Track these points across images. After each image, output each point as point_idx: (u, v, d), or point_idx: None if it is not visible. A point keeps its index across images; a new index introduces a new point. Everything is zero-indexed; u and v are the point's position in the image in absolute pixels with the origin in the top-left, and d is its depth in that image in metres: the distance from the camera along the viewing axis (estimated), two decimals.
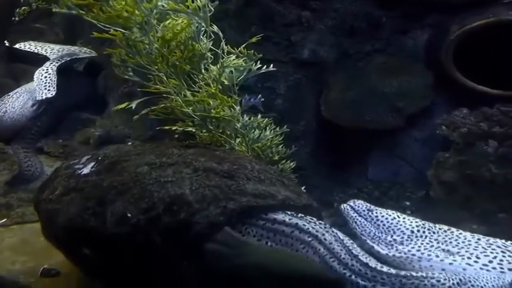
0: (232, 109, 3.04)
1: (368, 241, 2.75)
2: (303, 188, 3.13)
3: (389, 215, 2.80)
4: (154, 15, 2.83)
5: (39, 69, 4.71)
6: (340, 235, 2.43)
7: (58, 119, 4.92)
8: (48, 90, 4.60)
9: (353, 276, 2.33)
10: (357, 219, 2.80)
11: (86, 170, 2.69)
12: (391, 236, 2.72)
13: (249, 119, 3.12)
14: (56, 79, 4.64)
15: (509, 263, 2.57)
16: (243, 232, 2.47)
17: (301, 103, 4.01)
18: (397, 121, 3.89)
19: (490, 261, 2.57)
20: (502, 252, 2.64)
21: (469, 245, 2.69)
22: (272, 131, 3.23)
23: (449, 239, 2.72)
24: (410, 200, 3.81)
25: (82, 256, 2.58)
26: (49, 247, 2.77)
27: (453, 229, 2.81)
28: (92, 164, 2.72)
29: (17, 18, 5.01)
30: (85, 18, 2.83)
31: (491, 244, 2.69)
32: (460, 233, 2.78)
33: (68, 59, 4.87)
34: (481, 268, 2.55)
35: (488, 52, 3.78)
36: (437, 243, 2.69)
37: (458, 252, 2.63)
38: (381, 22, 4.00)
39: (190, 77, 3.01)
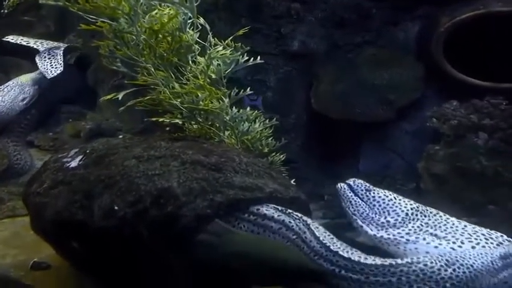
0: (220, 101, 3.02)
1: (358, 221, 2.74)
2: (292, 180, 3.12)
3: (387, 196, 2.78)
4: (140, 5, 2.81)
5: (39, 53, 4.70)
6: (319, 232, 2.40)
7: (48, 112, 4.91)
8: (56, 68, 4.59)
9: (343, 272, 2.31)
10: (353, 198, 2.78)
11: (73, 164, 2.68)
12: (385, 218, 2.71)
13: (238, 111, 3.11)
14: (61, 57, 4.63)
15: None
16: (236, 227, 2.47)
17: (291, 96, 4.01)
18: (387, 113, 3.90)
19: (473, 247, 2.58)
20: (486, 239, 2.64)
21: (456, 230, 2.69)
22: (261, 124, 3.21)
23: (439, 223, 2.72)
24: (401, 192, 3.79)
25: (70, 249, 2.58)
26: (40, 240, 2.77)
27: (441, 213, 2.81)
28: (80, 157, 2.71)
29: (5, 11, 4.95)
30: (78, 13, 2.81)
31: (476, 231, 2.70)
32: (448, 218, 2.78)
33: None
34: None
35: (478, 44, 3.77)
36: (427, 226, 2.69)
37: (444, 237, 2.64)
38: (371, 13, 3.98)
39: (178, 69, 2.99)
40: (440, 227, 2.71)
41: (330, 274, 2.32)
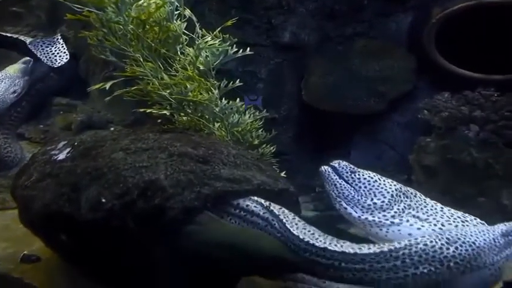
0: (210, 93, 3.00)
1: (343, 203, 2.72)
2: (283, 172, 3.12)
3: (372, 178, 2.75)
4: None
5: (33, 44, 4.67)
6: (298, 230, 2.36)
7: (39, 105, 4.88)
8: (61, 56, 4.56)
9: (343, 264, 2.29)
10: (337, 181, 2.74)
11: (61, 156, 2.67)
12: (371, 200, 2.69)
13: (228, 103, 3.09)
14: (64, 45, 4.61)
15: None
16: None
17: (282, 87, 4.00)
18: (379, 105, 3.90)
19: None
20: (462, 222, 2.66)
21: (436, 212, 2.70)
22: (251, 116, 3.19)
23: (420, 205, 2.72)
24: None
25: (59, 242, 2.57)
26: (30, 233, 2.75)
27: (419, 194, 2.81)
28: (68, 149, 2.69)
29: None
30: (66, 3, 2.79)
31: (453, 214, 2.71)
32: (425, 200, 2.78)
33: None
34: None
35: (470, 35, 3.76)
36: (409, 208, 2.69)
37: (426, 219, 2.65)
38: (363, 5, 3.98)
39: (167, 60, 2.97)
40: (421, 209, 2.71)
41: (329, 267, 2.31)
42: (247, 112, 3.20)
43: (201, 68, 2.97)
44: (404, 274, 2.28)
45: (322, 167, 2.81)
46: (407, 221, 2.63)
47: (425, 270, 2.28)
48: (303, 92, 3.90)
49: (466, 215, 2.73)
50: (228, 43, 2.94)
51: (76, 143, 2.71)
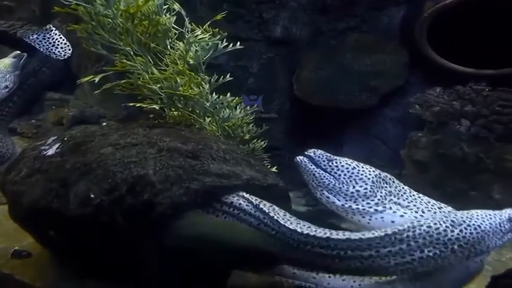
0: (200, 87, 2.99)
1: (324, 192, 2.67)
2: (275, 167, 3.11)
3: (349, 164, 2.70)
4: None
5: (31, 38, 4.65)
6: (295, 224, 2.35)
7: (31, 99, 4.87)
8: (64, 49, 4.54)
9: (349, 252, 2.26)
10: (316, 171, 2.69)
11: (51, 151, 2.65)
12: (353, 187, 2.63)
13: (218, 97, 3.08)
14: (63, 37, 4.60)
15: None
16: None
17: (274, 82, 4.00)
18: (371, 100, 3.90)
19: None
20: (438, 208, 2.65)
21: (415, 199, 2.67)
22: (242, 110, 3.18)
23: (399, 191, 2.69)
24: None
25: (48, 237, 2.57)
26: (21, 229, 2.74)
27: (396, 179, 2.77)
28: (57, 145, 2.68)
29: None
30: None
31: (429, 201, 2.69)
32: (403, 186, 2.75)
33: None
34: None
35: (462, 29, 3.76)
36: (390, 195, 2.66)
37: (407, 206, 2.62)
38: None
39: (157, 54, 2.96)
40: (402, 195, 2.68)
41: (335, 258, 2.27)
42: (238, 107, 3.18)
43: (191, 62, 2.95)
44: (411, 258, 2.24)
45: (297, 157, 2.76)
46: (390, 208, 2.60)
47: (430, 254, 2.23)
48: (294, 87, 3.89)
49: (439, 203, 2.70)
50: (217, 37, 2.93)
51: (66, 138, 2.70)
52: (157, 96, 2.95)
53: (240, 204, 2.43)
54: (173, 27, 2.92)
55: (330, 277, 2.48)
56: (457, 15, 3.66)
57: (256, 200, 2.43)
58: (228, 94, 3.16)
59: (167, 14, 2.89)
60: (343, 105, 3.87)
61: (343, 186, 2.64)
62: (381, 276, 2.40)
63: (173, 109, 3.03)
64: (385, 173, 2.73)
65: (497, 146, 3.53)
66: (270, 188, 2.56)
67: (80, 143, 2.59)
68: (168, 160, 2.40)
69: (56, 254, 2.76)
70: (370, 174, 2.67)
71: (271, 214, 2.36)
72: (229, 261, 2.35)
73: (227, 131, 3.16)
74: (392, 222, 2.53)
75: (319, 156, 2.73)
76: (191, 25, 2.94)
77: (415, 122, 3.76)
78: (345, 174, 2.66)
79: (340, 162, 2.70)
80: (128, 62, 2.90)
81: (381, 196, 2.63)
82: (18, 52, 4.59)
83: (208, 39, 2.91)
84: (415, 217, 2.53)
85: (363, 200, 2.61)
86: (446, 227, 2.26)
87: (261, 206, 2.40)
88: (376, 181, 2.66)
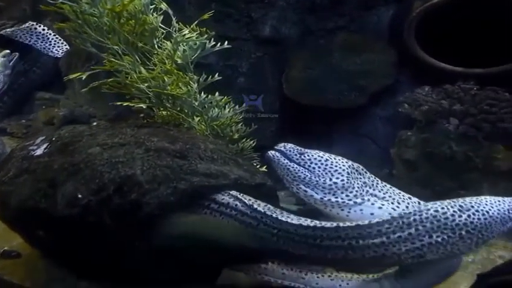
0: (188, 86, 2.99)
1: (301, 186, 2.63)
2: (265, 167, 3.11)
3: (322, 156, 2.66)
4: None
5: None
6: (297, 220, 2.35)
7: (22, 99, 4.85)
8: (60, 46, 4.54)
9: (361, 241, 2.23)
10: (289, 165, 2.64)
11: (39, 151, 2.65)
12: (330, 180, 2.59)
13: (207, 96, 3.08)
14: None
15: None
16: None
17: (264, 81, 4.00)
18: (360, 99, 3.90)
19: (406, 207, 2.54)
20: (408, 197, 2.63)
21: (388, 189, 2.65)
22: (231, 110, 3.18)
23: (372, 182, 2.66)
24: None
25: (36, 237, 2.57)
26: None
27: (365, 169, 2.74)
28: (46, 145, 2.68)
29: None
30: None
31: (400, 192, 2.68)
32: (375, 177, 2.73)
33: None
34: None
35: (451, 29, 3.78)
36: (366, 186, 2.63)
37: (383, 197, 2.60)
38: None
39: (145, 54, 2.96)
40: (376, 186, 2.65)
41: (347, 250, 2.25)
42: (227, 106, 3.18)
43: (179, 61, 2.95)
44: (420, 244, 2.21)
45: (269, 152, 2.72)
46: (368, 200, 2.57)
47: (439, 239, 2.21)
48: (284, 86, 3.90)
49: (405, 193, 2.68)
50: (205, 36, 2.92)
51: (54, 138, 2.69)
52: (145, 96, 2.95)
53: (236, 205, 2.43)
54: (160, 26, 2.91)
55: (318, 277, 2.49)
56: (445, 15, 3.67)
57: (250, 200, 2.44)
58: (217, 93, 3.15)
59: (154, 14, 2.88)
60: (332, 105, 3.88)
61: (320, 179, 2.59)
62: (393, 265, 2.36)
63: (161, 108, 3.03)
64: (357, 164, 2.69)
65: (486, 145, 3.54)
66: (258, 187, 2.56)
67: (68, 143, 2.59)
68: (156, 160, 2.41)
69: (46, 255, 2.75)
70: (344, 165, 2.62)
71: (268, 213, 2.36)
72: (220, 260, 2.36)
73: (216, 130, 3.16)
74: (372, 214, 2.50)
75: (290, 150, 2.69)
76: (178, 24, 2.93)
77: (404, 121, 3.77)
78: (319, 167, 2.61)
79: (313, 155, 2.67)
80: (116, 61, 2.89)
81: (358, 188, 2.59)
82: (8, 51, 4.58)
83: (196, 38, 2.90)
84: (393, 209, 2.51)
85: (342, 193, 2.56)
86: (454, 211, 2.24)
87: (255, 206, 2.40)
88: (351, 172, 2.61)
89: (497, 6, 3.65)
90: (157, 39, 2.94)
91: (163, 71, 2.90)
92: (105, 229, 2.31)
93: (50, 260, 2.76)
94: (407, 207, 2.53)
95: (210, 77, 3.06)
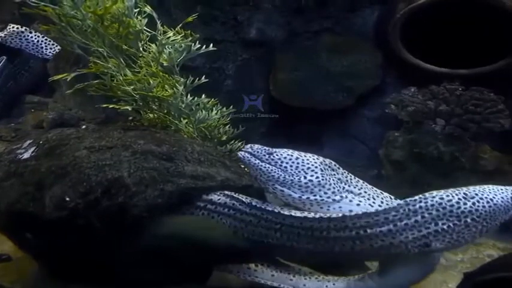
0: (174, 89, 3.00)
1: (277, 186, 2.53)
2: None
3: (291, 155, 2.57)
4: None
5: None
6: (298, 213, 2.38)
7: (10, 103, 4.84)
8: (51, 48, 4.54)
9: (368, 230, 2.24)
10: (261, 165, 2.53)
11: (26, 155, 2.65)
12: (305, 177, 2.50)
13: (193, 99, 3.08)
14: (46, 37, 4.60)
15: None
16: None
17: (251, 83, 4.00)
18: (347, 100, 3.93)
19: (382, 203, 2.51)
20: (381, 192, 2.60)
21: (361, 185, 2.60)
22: (218, 112, 3.19)
23: (346, 177, 2.60)
24: (362, 179, 3.83)
25: (26, 241, 2.57)
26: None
27: (337, 164, 2.66)
28: (33, 148, 2.68)
29: None
30: None
31: (372, 187, 2.63)
32: (347, 172, 2.66)
33: None
34: None
35: (435, 30, 3.81)
36: (341, 182, 2.55)
37: (359, 193, 2.54)
38: (329, 0, 3.99)
39: (131, 57, 2.96)
40: (351, 182, 2.59)
41: (355, 240, 2.26)
42: (214, 108, 3.19)
43: (165, 64, 2.96)
44: (427, 232, 2.21)
45: (240, 153, 2.61)
46: (346, 197, 2.50)
47: (445, 227, 2.21)
48: (271, 88, 3.91)
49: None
50: (189, 39, 2.93)
51: (41, 141, 2.70)
52: (131, 98, 2.95)
53: (233, 204, 2.45)
54: (145, 29, 2.92)
55: (306, 279, 2.51)
56: (429, 16, 3.70)
57: (246, 198, 2.46)
58: (203, 96, 3.15)
59: (139, 17, 2.88)
60: (319, 106, 3.90)
61: (295, 178, 2.50)
62: (400, 255, 2.34)
63: (148, 111, 3.03)
64: (329, 159, 2.63)
65: (472, 145, 3.58)
66: (245, 189, 2.57)
67: (55, 146, 2.60)
68: (143, 162, 2.42)
69: (35, 258, 2.75)
70: (315, 162, 2.54)
71: (269, 208, 2.37)
72: (209, 260, 2.38)
73: (204, 133, 3.17)
74: (350, 211, 2.44)
75: (257, 151, 2.60)
76: (163, 27, 2.94)
77: (392, 122, 3.79)
78: (290, 166, 2.53)
79: (282, 154, 2.59)
80: (102, 63, 2.90)
81: (334, 184, 2.52)
82: None
83: (181, 41, 2.91)
84: (370, 205, 2.47)
85: (320, 190, 2.49)
86: (459, 199, 2.23)
87: (254, 203, 2.42)
88: (324, 168, 2.54)
89: (482, 7, 3.67)
90: (142, 42, 2.94)
91: (149, 73, 2.90)
92: (94, 232, 2.32)
93: (41, 263, 2.77)
94: (382, 202, 2.50)
95: (197, 79, 3.07)
